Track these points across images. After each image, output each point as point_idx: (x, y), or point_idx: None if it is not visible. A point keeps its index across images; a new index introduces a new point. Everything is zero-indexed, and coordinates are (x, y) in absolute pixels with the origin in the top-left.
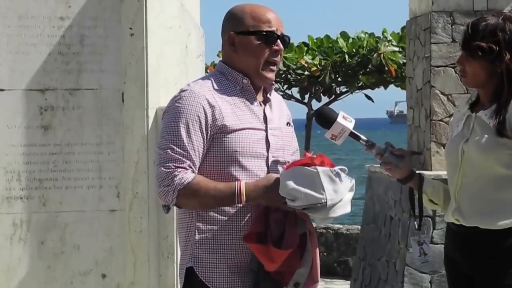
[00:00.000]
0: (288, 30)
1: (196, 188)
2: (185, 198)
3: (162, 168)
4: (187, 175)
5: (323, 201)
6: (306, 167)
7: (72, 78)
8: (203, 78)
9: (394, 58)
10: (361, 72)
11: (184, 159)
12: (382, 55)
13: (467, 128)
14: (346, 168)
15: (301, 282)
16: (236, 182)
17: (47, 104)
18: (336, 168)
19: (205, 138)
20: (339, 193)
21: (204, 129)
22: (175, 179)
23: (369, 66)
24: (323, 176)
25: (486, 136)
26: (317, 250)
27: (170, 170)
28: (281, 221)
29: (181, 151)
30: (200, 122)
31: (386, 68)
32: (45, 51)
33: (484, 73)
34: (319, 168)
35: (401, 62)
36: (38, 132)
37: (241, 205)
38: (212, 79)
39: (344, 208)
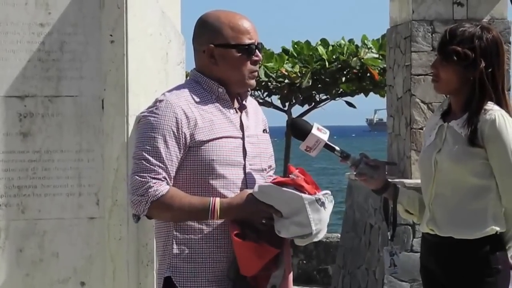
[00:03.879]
0: (267, 37)
1: (169, 202)
2: (157, 210)
3: (137, 177)
4: (161, 188)
5: (308, 232)
6: (291, 190)
7: (52, 84)
8: (178, 88)
9: (374, 64)
10: (342, 79)
11: (159, 170)
12: (362, 60)
13: (439, 138)
14: (329, 192)
15: (277, 284)
16: (211, 198)
17: (26, 111)
18: (321, 195)
19: (181, 149)
20: (323, 221)
21: (180, 140)
22: (150, 190)
23: (349, 70)
24: (309, 207)
25: (458, 146)
26: (290, 251)
27: (145, 180)
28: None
29: (156, 162)
30: (176, 133)
31: (368, 75)
32: (25, 57)
33: (457, 79)
34: (306, 198)
35: (381, 67)
36: (17, 139)
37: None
38: (188, 89)
39: (323, 231)
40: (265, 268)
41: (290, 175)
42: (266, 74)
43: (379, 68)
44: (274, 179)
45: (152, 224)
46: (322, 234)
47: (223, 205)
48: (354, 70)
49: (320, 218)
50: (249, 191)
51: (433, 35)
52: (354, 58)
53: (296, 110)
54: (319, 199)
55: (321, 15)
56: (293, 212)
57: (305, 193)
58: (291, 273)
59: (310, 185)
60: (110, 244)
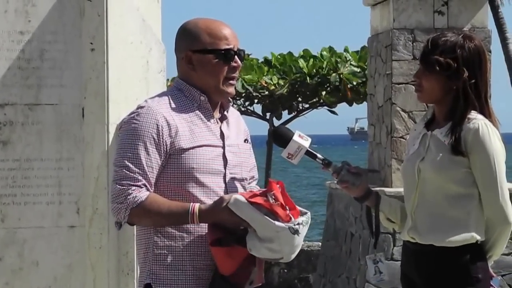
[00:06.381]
0: (249, 47)
1: (149, 208)
2: (137, 216)
3: (117, 185)
4: (141, 194)
5: (279, 257)
6: (265, 215)
7: (32, 93)
8: (160, 95)
9: (352, 80)
10: (322, 92)
11: (139, 178)
12: (341, 75)
13: (423, 147)
14: (307, 216)
15: (254, 279)
16: (191, 203)
17: (6, 119)
18: (295, 223)
19: (161, 156)
20: (295, 246)
21: (160, 147)
22: (129, 197)
23: (329, 85)
24: (281, 236)
25: (441, 154)
26: None
27: (124, 187)
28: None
29: (136, 169)
30: (157, 140)
31: (345, 87)
32: (4, 65)
33: (439, 88)
34: (278, 227)
35: (360, 82)
36: None
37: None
38: (170, 96)
39: (295, 253)
40: (244, 266)
41: (267, 194)
42: (243, 87)
43: (358, 82)
44: (252, 195)
45: (132, 233)
46: (294, 256)
47: (201, 209)
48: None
49: (292, 244)
50: (227, 197)
51: (414, 43)
52: (333, 74)
53: (278, 119)
54: (292, 228)
55: (303, 25)
56: (266, 237)
57: (279, 220)
58: (263, 266)
59: (285, 211)
60: (90, 253)
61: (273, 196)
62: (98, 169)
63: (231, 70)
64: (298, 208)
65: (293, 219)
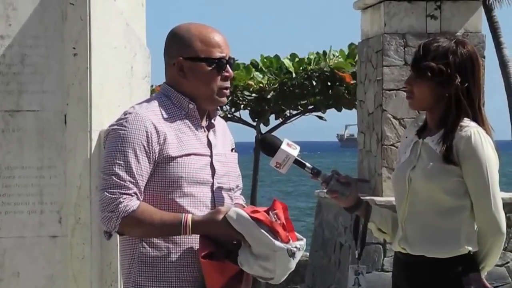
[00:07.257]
0: (237, 50)
1: (140, 218)
2: (128, 226)
3: (107, 194)
4: (132, 203)
5: (270, 277)
6: (266, 232)
7: (12, 99)
8: (147, 101)
9: (344, 67)
10: (310, 91)
11: (130, 186)
12: (330, 66)
13: (414, 155)
14: (303, 241)
15: None
16: (183, 214)
17: None
18: (293, 246)
19: (150, 164)
20: (288, 269)
21: (150, 155)
22: (120, 206)
23: (317, 80)
24: (278, 256)
25: (432, 163)
26: None
27: (115, 196)
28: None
29: (127, 177)
30: (146, 147)
31: (337, 84)
32: None
33: (431, 95)
34: (278, 247)
35: (352, 72)
36: None
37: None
38: (157, 103)
39: (285, 276)
40: (232, 283)
41: (270, 212)
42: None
43: (349, 72)
44: (253, 210)
45: (116, 243)
46: (283, 279)
47: (195, 220)
48: (323, 76)
49: (286, 266)
50: (223, 210)
51: (406, 49)
52: (323, 63)
53: (264, 126)
54: (290, 250)
55: (289, 29)
56: (262, 254)
57: (278, 239)
58: (250, 284)
59: (286, 232)
60: (72, 263)
61: (275, 215)
62: (80, 177)
63: (223, 79)
64: (296, 233)
65: (291, 241)
